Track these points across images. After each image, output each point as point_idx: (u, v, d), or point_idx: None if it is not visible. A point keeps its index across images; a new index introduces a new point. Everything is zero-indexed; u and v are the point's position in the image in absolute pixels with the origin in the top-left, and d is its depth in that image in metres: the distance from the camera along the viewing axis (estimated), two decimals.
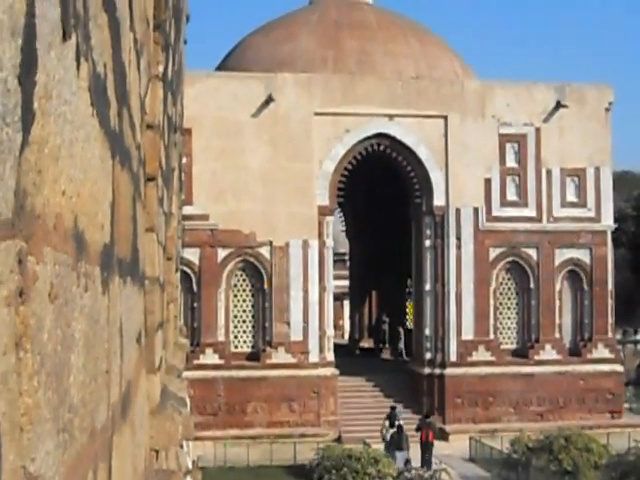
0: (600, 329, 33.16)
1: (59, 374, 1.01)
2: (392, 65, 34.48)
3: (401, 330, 40.28)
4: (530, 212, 32.75)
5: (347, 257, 51.05)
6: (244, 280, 31.79)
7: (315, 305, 31.32)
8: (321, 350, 31.46)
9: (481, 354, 32.23)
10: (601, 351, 33.12)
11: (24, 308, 0.83)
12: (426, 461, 27.31)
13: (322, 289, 31.53)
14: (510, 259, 32.83)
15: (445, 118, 32.22)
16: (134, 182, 2.22)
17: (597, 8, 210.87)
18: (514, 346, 33.17)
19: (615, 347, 34.16)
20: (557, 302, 33.14)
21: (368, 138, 32.04)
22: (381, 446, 27.56)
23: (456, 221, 32.20)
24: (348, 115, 31.65)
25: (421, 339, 33.02)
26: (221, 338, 31.16)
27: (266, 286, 31.32)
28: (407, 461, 26.51)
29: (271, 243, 31.07)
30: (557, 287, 33.12)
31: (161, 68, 5.02)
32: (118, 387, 1.71)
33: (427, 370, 32.44)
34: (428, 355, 32.57)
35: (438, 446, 28.77)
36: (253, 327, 31.77)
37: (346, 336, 51.47)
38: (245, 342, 31.79)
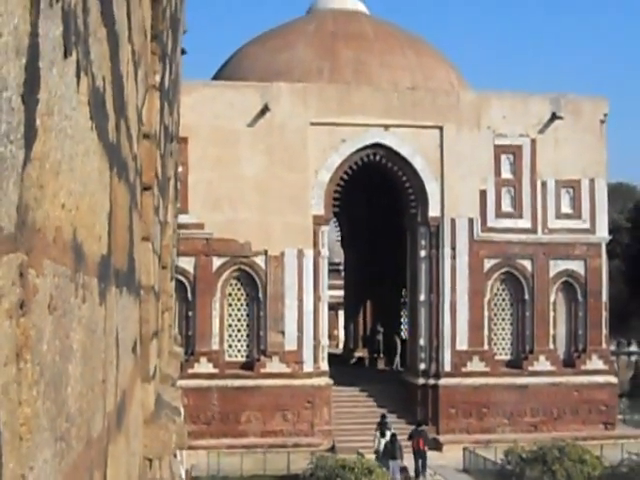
0: (594, 340, 33.20)
1: (57, 384, 1.03)
2: (388, 76, 34.56)
3: (397, 340, 40.26)
4: (525, 223, 32.81)
5: (342, 267, 51.07)
6: (239, 289, 31.79)
7: (310, 315, 31.33)
8: (315, 360, 31.45)
9: (475, 365, 32.24)
10: (595, 362, 33.15)
11: (24, 320, 0.85)
12: (419, 469, 27.49)
13: (317, 299, 31.54)
14: (505, 270, 32.87)
15: (441, 129, 32.30)
16: (131, 192, 2.24)
17: (593, 20, 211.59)
18: (508, 357, 33.19)
19: (609, 358, 34.20)
20: (551, 313, 33.18)
21: (364, 148, 32.10)
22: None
23: (451, 232, 32.25)
24: (344, 125, 31.71)
25: (415, 349, 33.03)
26: (215, 347, 31.15)
27: (261, 295, 31.32)
28: (402, 469, 26.60)
29: (266, 252, 31.09)
30: (551, 298, 33.16)
31: (158, 78, 5.05)
32: (114, 397, 1.73)
33: (421, 380, 32.44)
34: (422, 365, 32.57)
35: (432, 456, 28.80)
36: (247, 336, 31.75)
37: (340, 346, 51.45)
38: (239, 351, 31.77)
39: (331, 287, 35.91)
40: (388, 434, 28.08)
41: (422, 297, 32.61)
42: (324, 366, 31.81)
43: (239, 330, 31.81)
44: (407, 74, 34.95)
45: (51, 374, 0.97)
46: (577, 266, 33.23)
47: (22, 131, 0.81)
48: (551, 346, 33.12)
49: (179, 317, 27.88)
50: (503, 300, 33.33)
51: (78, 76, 1.10)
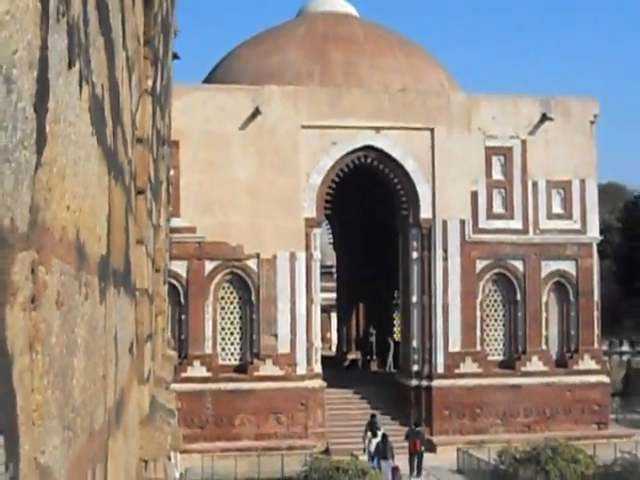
0: (586, 340, 33.31)
1: (64, 376, 1.08)
2: (379, 78, 34.64)
3: (390, 342, 40.32)
4: (516, 224, 32.92)
5: (334, 269, 51.13)
6: (231, 292, 31.82)
7: (302, 317, 31.37)
8: (309, 362, 31.50)
9: (468, 366, 32.32)
10: (587, 362, 33.26)
11: (35, 314, 0.90)
12: (415, 469, 27.76)
13: (309, 301, 31.59)
14: (496, 271, 32.97)
15: (432, 131, 32.39)
16: (126, 196, 2.30)
17: (583, 21, 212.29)
18: (501, 357, 33.28)
19: (601, 358, 34.31)
20: (543, 314, 33.28)
21: (355, 151, 32.17)
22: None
23: (443, 233, 32.34)
24: (335, 128, 31.78)
25: (408, 351, 33.09)
26: (208, 350, 31.16)
27: (253, 298, 31.35)
28: (394, 469, 26.75)
29: (258, 255, 31.13)
30: (543, 299, 33.26)
31: (150, 83, 5.10)
32: (113, 393, 1.78)
33: (414, 382, 32.49)
34: (415, 367, 32.63)
35: (426, 457, 28.94)
36: (240, 339, 31.78)
37: (333, 348, 51.50)
38: (232, 354, 31.79)
39: (323, 290, 35.98)
40: (379, 434, 28.28)
41: (414, 299, 32.69)
42: (317, 368, 31.86)
43: (232, 333, 31.83)
44: (397, 76, 35.03)
45: (59, 366, 1.03)
46: (568, 266, 33.35)
47: (34, 138, 0.87)
48: (543, 346, 33.22)
49: (172, 321, 27.90)
50: (495, 301, 33.42)
51: (80, 85, 1.16)
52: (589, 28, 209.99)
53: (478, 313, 32.72)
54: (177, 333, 30.27)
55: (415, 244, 32.69)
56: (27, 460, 0.84)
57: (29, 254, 0.87)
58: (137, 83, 3.12)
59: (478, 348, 32.60)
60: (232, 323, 31.83)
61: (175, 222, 26.14)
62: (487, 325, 33.17)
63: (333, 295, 48.48)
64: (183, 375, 28.90)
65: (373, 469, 25.60)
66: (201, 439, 29.27)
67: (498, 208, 32.89)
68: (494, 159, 32.92)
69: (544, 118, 32.94)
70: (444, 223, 32.33)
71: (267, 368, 31.06)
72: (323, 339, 38.10)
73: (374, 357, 42.11)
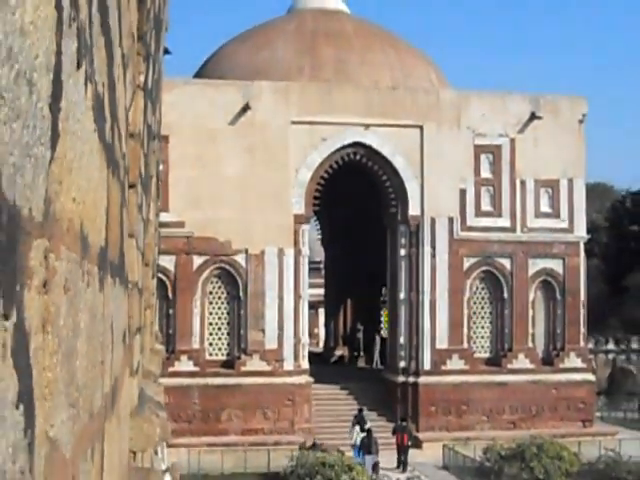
0: (572, 339, 33.47)
1: (70, 357, 1.15)
2: (368, 74, 34.69)
3: (377, 338, 40.42)
4: (504, 222, 33.04)
5: (322, 265, 51.21)
6: (219, 287, 31.85)
7: (290, 313, 31.42)
8: (296, 358, 31.55)
9: (455, 363, 32.43)
10: (573, 360, 33.43)
11: (47, 297, 0.97)
12: (402, 463, 28.11)
13: (297, 297, 31.65)
14: (484, 269, 33.09)
15: (421, 128, 32.47)
16: (122, 190, 2.36)
17: (573, 20, 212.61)
18: (487, 355, 33.41)
19: (587, 356, 34.48)
20: (530, 312, 33.42)
21: (344, 147, 32.22)
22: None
23: (431, 230, 32.43)
24: (324, 124, 31.82)
25: (395, 347, 33.18)
26: (196, 345, 31.18)
27: (241, 294, 31.39)
28: (375, 464, 27.05)
29: (247, 251, 31.16)
30: (530, 297, 33.41)
31: (142, 78, 5.15)
32: (109, 379, 1.85)
33: (401, 378, 32.59)
34: (402, 363, 32.73)
35: (411, 454, 29.16)
36: (228, 334, 31.82)
37: (321, 344, 51.59)
38: (220, 349, 31.82)
39: (311, 286, 36.04)
40: (364, 429, 28.64)
41: (402, 295, 32.77)
42: (304, 364, 31.93)
43: (220, 328, 31.87)
44: (387, 72, 35.10)
45: (66, 347, 1.10)
46: (556, 265, 33.50)
47: (49, 135, 0.94)
48: (530, 344, 33.37)
49: (160, 315, 27.90)
50: (482, 299, 33.55)
51: (86, 84, 1.23)
52: (579, 27, 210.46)
53: (465, 310, 32.83)
54: (165, 328, 30.28)
55: (403, 241, 32.77)
56: (41, 432, 0.91)
57: (42, 242, 0.94)
58: (131, 79, 3.19)
59: (465, 345, 32.72)
60: (220, 318, 31.86)
61: (163, 217, 26.11)
62: (474, 322, 33.29)
63: (321, 291, 48.57)
64: (170, 370, 28.89)
65: (360, 465, 25.73)
66: (188, 434, 29.28)
67: (486, 206, 33.00)
68: (483, 157, 33.03)
69: (533, 117, 33.05)
70: (432, 220, 32.42)
71: (254, 363, 31.11)
72: (311, 335, 38.17)
73: (361, 353, 42.20)
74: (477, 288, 33.39)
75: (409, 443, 28.85)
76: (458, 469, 28.44)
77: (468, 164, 32.76)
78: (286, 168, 31.50)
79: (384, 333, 41.16)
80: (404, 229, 32.78)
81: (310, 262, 35.22)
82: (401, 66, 35.66)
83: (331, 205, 39.43)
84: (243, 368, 31.03)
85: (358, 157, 32.58)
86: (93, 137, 1.40)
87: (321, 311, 53.21)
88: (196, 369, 30.85)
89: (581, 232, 33.81)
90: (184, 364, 30.76)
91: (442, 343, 32.39)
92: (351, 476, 24.37)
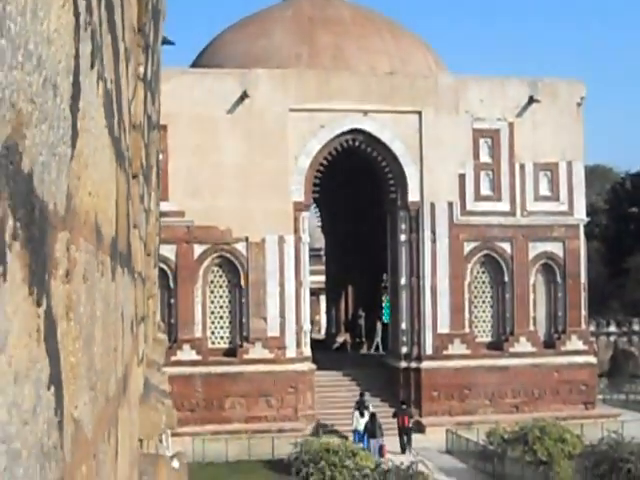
0: (573, 321, 33.56)
1: (89, 343, 1.21)
2: (366, 60, 34.67)
3: (379, 324, 40.52)
4: (504, 206, 33.08)
5: (323, 252, 51.27)
6: (220, 276, 31.92)
7: (292, 300, 31.50)
8: (298, 345, 31.65)
9: (457, 347, 32.53)
10: (575, 343, 33.52)
11: (69, 286, 1.03)
12: (405, 445, 28.46)
13: (298, 284, 31.72)
14: (484, 253, 33.15)
15: (419, 113, 32.48)
16: (127, 181, 2.41)
17: (571, 3, 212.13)
18: (489, 339, 33.51)
19: (588, 339, 34.57)
20: (531, 295, 33.50)
21: (343, 134, 32.25)
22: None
23: (431, 216, 32.47)
24: (323, 111, 31.84)
25: (397, 333, 33.28)
26: (198, 334, 31.28)
27: (242, 282, 31.46)
28: (381, 447, 27.37)
29: (247, 239, 31.21)
30: (531, 280, 33.48)
31: (142, 69, 5.19)
32: (122, 366, 1.90)
33: (403, 364, 32.69)
34: (404, 349, 32.82)
35: (415, 438, 29.34)
36: (230, 323, 31.90)
37: (323, 331, 51.69)
38: (222, 338, 31.92)
39: (312, 272, 36.10)
40: (366, 414, 28.87)
41: (403, 281, 32.84)
42: (307, 351, 32.02)
43: (221, 317, 31.96)
44: (385, 58, 35.07)
45: (86, 333, 1.16)
46: (556, 248, 33.55)
47: (70, 134, 1.00)
48: (531, 327, 33.46)
49: (161, 305, 27.98)
50: (483, 283, 33.62)
51: (98, 82, 1.28)
52: (577, 9, 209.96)
53: (466, 295, 32.91)
54: (167, 317, 30.36)
55: (403, 226, 32.82)
56: (67, 411, 0.97)
57: (65, 234, 0.99)
58: (133, 72, 3.23)
59: (466, 330, 32.81)
60: (221, 307, 31.94)
61: (163, 206, 26.14)
62: (475, 307, 33.37)
63: (322, 278, 48.63)
64: (173, 359, 28.96)
65: (362, 450, 25.87)
66: (191, 422, 29.39)
67: (486, 190, 33.04)
68: (481, 141, 33.05)
69: (531, 100, 33.06)
70: (432, 205, 32.47)
71: (256, 351, 31.20)
72: (312, 322, 38.27)
73: (363, 339, 42.29)
74: (478, 272, 33.46)
75: (410, 425, 29.27)
76: (461, 453, 28.57)
77: (467, 149, 32.79)
78: (285, 155, 31.53)
79: (385, 319, 41.27)
80: (404, 214, 32.82)
81: (310, 249, 35.31)
82: (399, 52, 35.63)
83: (331, 192, 39.46)
84: (245, 356, 31.12)
85: (357, 143, 32.61)
86: (104, 133, 1.45)
87: (322, 298, 53.30)
88: (198, 358, 30.95)
89: (581, 215, 33.86)
90: (186, 353, 30.86)
91: (444, 328, 32.48)
92: (355, 461, 24.49)
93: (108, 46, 1.53)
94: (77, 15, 1.01)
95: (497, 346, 33.19)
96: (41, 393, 0.82)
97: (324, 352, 37.19)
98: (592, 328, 39.88)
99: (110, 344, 1.58)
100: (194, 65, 36.73)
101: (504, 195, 33.09)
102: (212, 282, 31.86)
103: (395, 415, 29.61)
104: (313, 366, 31.96)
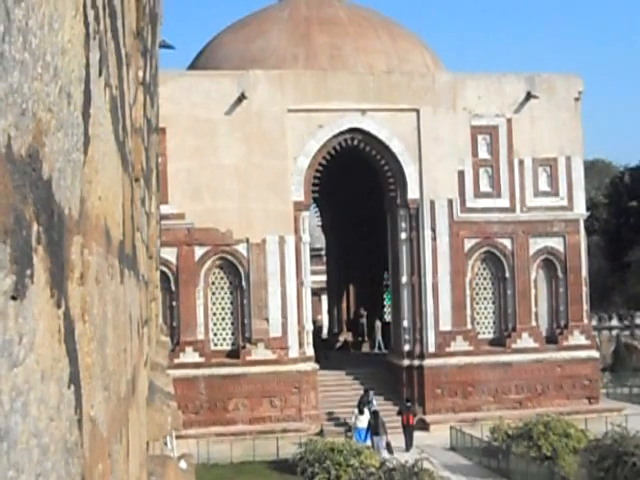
0: (575, 316, 33.57)
1: (102, 344, 1.24)
2: (363, 60, 34.70)
3: (378, 323, 40.56)
4: (503, 202, 33.09)
5: (324, 252, 51.31)
6: (222, 278, 31.94)
7: (293, 300, 31.52)
8: (300, 345, 31.67)
9: (459, 344, 32.54)
10: (577, 338, 33.54)
11: (83, 289, 1.05)
12: (407, 442, 28.53)
13: (299, 284, 31.74)
14: (485, 249, 33.16)
15: (417, 111, 32.50)
16: (131, 185, 2.44)
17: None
18: (491, 335, 33.52)
19: (591, 333, 34.59)
20: (532, 290, 33.52)
21: (341, 133, 32.26)
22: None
23: (431, 213, 32.49)
24: (321, 111, 31.86)
25: (399, 331, 33.29)
26: (201, 336, 31.30)
27: (244, 283, 31.48)
28: (387, 444, 27.44)
29: (248, 240, 31.24)
30: (532, 276, 33.50)
31: (141, 73, 5.22)
32: (131, 367, 1.93)
33: (406, 362, 32.71)
34: (407, 347, 32.84)
35: (419, 436, 29.38)
36: (232, 324, 31.92)
37: (325, 331, 51.72)
38: (225, 339, 31.94)
39: (313, 272, 36.13)
40: (366, 411, 28.99)
41: (404, 279, 32.86)
42: (309, 351, 32.04)
43: (224, 318, 31.97)
44: (382, 57, 35.10)
45: (99, 334, 1.18)
46: (556, 243, 33.57)
47: (82, 140, 1.03)
48: (533, 323, 33.47)
49: (163, 307, 28.00)
50: (484, 279, 33.63)
51: (105, 89, 1.31)
52: (573, 4, 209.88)
53: (468, 292, 32.93)
54: (169, 320, 30.39)
55: (403, 225, 32.84)
56: (85, 410, 0.99)
57: (79, 238, 1.02)
58: (134, 76, 3.26)
59: (469, 326, 32.83)
60: (223, 308, 31.96)
61: (164, 209, 26.21)
62: (477, 303, 33.39)
63: (323, 278, 48.68)
64: (176, 361, 29.00)
65: (367, 448, 25.89)
66: (196, 424, 29.42)
67: (485, 187, 33.06)
68: (480, 138, 33.07)
69: (529, 96, 33.08)
70: (432, 203, 32.49)
71: (259, 352, 31.23)
72: (314, 322, 38.30)
73: (365, 338, 42.33)
74: (479, 269, 33.47)
75: (414, 423, 29.37)
76: (466, 450, 28.57)
77: (465, 146, 32.81)
78: (284, 156, 31.55)
79: (386, 317, 41.31)
80: (404, 213, 32.84)
81: (311, 249, 35.32)
82: (396, 51, 35.65)
83: (330, 191, 39.50)
84: (248, 357, 31.15)
85: (356, 142, 32.63)
86: (111, 138, 1.48)
87: (324, 298, 53.33)
88: (201, 360, 30.98)
89: (580, 209, 33.88)
90: (189, 355, 30.88)
91: (446, 325, 32.50)
92: (360, 460, 24.49)
93: (112, 53, 1.55)
94: (87, 25, 1.03)
95: (499, 342, 33.22)
96: (63, 391, 0.85)
97: (327, 351, 37.22)
98: (594, 322, 39.92)
99: (120, 345, 1.61)
100: (191, 67, 36.77)
101: (503, 191, 33.11)
102: (213, 284, 31.89)
103: (400, 413, 29.74)
104: (316, 366, 31.99)
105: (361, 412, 29.30)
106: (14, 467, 0.67)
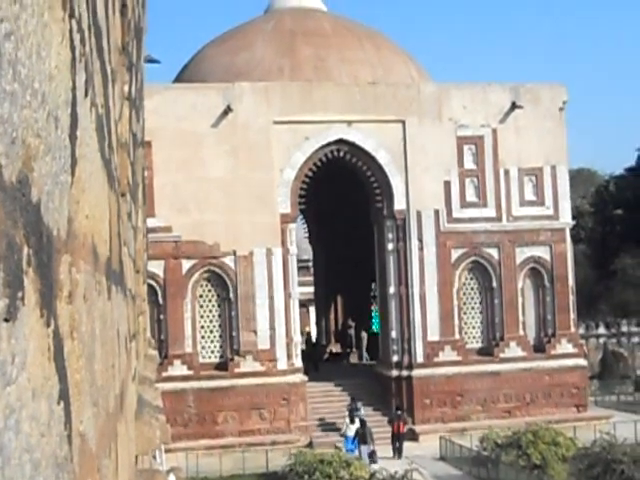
0: (563, 324, 33.66)
1: (91, 360, 1.25)
2: (348, 71, 34.80)
3: (364, 334, 40.64)
4: (490, 212, 33.18)
5: (311, 263, 51.31)
6: (209, 290, 31.89)
7: (281, 312, 31.50)
8: (289, 357, 31.64)
9: (447, 354, 32.57)
10: (565, 346, 33.61)
11: (71, 307, 1.07)
12: (397, 450, 28.62)
13: (287, 296, 31.73)
14: (472, 259, 33.23)
15: (403, 122, 32.58)
16: (117, 201, 2.45)
17: (551, 6, 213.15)
18: (479, 345, 33.57)
19: (578, 342, 34.67)
20: (520, 300, 33.59)
21: (327, 145, 32.31)
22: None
23: (417, 224, 32.55)
24: (307, 122, 31.90)
25: (387, 342, 33.29)
26: (189, 349, 31.23)
27: (232, 295, 31.45)
28: (372, 453, 27.45)
29: (235, 252, 31.22)
30: (519, 285, 33.58)
31: (127, 88, 5.23)
32: (119, 382, 1.94)
33: (395, 372, 32.71)
34: (395, 357, 32.84)
35: (409, 447, 29.40)
36: (220, 337, 31.86)
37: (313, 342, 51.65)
38: (213, 352, 31.87)
39: (301, 284, 36.16)
40: (357, 420, 29.10)
41: (392, 290, 32.88)
42: (298, 362, 32.01)
43: (212, 331, 31.92)
44: (367, 69, 35.20)
45: (88, 351, 1.20)
46: (543, 252, 33.67)
47: (70, 162, 1.05)
48: (521, 332, 33.53)
49: (151, 321, 27.94)
50: (472, 289, 33.69)
51: (91, 109, 1.33)
52: (557, 13, 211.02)
53: (455, 302, 32.98)
54: (157, 333, 30.32)
55: (390, 235, 32.89)
56: (75, 425, 1.01)
57: (67, 257, 1.04)
58: (119, 92, 3.28)
59: (457, 336, 32.87)
60: (211, 321, 31.92)
61: (151, 222, 26.18)
62: (464, 313, 33.44)
63: (311, 289, 48.68)
64: (164, 374, 28.90)
65: (357, 460, 25.88)
66: (185, 437, 29.34)
67: (471, 197, 33.15)
68: (465, 148, 33.17)
69: (514, 106, 33.22)
70: (418, 214, 32.55)
71: (248, 364, 31.18)
72: (302, 333, 38.27)
73: (353, 349, 42.35)
74: (466, 279, 33.53)
75: (405, 431, 29.49)
76: (455, 459, 28.58)
77: (451, 156, 32.90)
78: (270, 168, 31.57)
79: (375, 328, 41.34)
80: (391, 223, 32.89)
81: (298, 260, 35.33)
82: (380, 62, 35.77)
83: (317, 203, 39.55)
84: (237, 370, 31.10)
85: (342, 154, 32.67)
86: (97, 156, 1.50)
87: (312, 309, 53.32)
88: (190, 373, 30.90)
89: (566, 218, 34.01)
90: (177, 368, 30.81)
91: (434, 335, 32.53)
92: (349, 471, 24.46)
93: (97, 72, 1.57)
94: (73, 49, 1.05)
95: (487, 352, 33.25)
96: (53, 408, 0.87)
97: (316, 363, 37.20)
98: (581, 331, 40.04)
99: (108, 361, 1.63)
100: (177, 80, 36.79)
101: (490, 201, 33.21)
102: (201, 297, 31.84)
103: (391, 421, 29.86)
104: (305, 377, 31.96)
105: (352, 421, 29.39)
106: None
